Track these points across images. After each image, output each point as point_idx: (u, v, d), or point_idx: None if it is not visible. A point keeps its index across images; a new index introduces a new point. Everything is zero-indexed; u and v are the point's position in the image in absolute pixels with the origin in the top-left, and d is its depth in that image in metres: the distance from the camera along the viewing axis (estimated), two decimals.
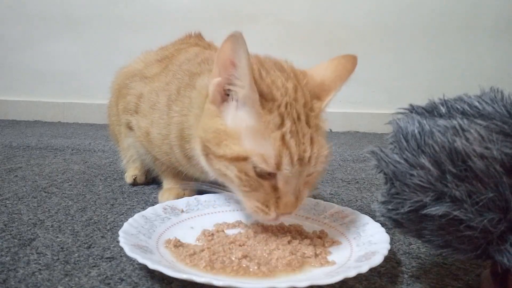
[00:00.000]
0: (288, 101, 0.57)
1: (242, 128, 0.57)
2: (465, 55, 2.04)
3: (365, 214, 0.67)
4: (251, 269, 0.52)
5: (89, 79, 2.12)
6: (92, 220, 0.73)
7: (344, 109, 2.07)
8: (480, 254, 0.45)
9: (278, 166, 0.54)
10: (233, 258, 0.54)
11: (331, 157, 0.62)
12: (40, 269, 0.55)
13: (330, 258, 0.57)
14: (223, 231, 0.65)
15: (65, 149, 1.39)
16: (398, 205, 0.47)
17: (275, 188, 0.57)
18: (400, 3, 2.03)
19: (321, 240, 0.61)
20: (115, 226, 0.70)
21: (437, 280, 0.55)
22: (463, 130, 0.42)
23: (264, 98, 0.56)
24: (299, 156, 0.55)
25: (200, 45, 0.94)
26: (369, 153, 0.50)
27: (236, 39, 0.53)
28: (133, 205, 0.82)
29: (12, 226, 0.69)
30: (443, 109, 0.47)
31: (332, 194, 0.95)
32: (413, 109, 0.50)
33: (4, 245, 0.62)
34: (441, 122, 0.44)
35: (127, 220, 0.62)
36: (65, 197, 0.86)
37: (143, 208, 0.71)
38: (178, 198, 0.75)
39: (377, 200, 0.50)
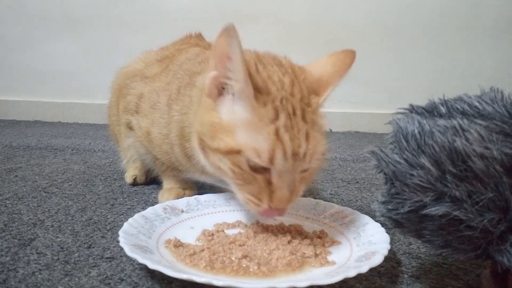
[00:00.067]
0: (284, 96, 0.56)
1: (236, 122, 0.57)
2: (465, 55, 2.04)
3: (365, 214, 0.67)
4: (251, 269, 0.52)
5: (89, 79, 2.11)
6: (92, 220, 0.73)
7: (344, 109, 2.07)
8: (480, 254, 0.45)
9: (271, 160, 0.54)
10: (233, 258, 0.54)
11: (329, 154, 0.62)
12: (40, 269, 0.55)
13: (330, 258, 0.57)
14: (223, 231, 0.65)
15: (65, 149, 1.39)
16: (398, 205, 0.47)
17: (269, 182, 0.57)
18: (400, 3, 2.03)
19: (321, 240, 0.61)
20: (115, 226, 0.70)
21: (437, 280, 0.55)
22: (463, 130, 0.42)
23: (259, 92, 0.56)
24: (293, 151, 0.54)
25: (201, 45, 0.94)
26: (369, 153, 0.50)
27: (228, 32, 0.53)
28: (133, 205, 0.82)
29: (12, 226, 0.69)
30: (443, 109, 0.47)
31: (332, 194, 0.95)
32: (413, 109, 0.50)
33: (4, 245, 0.62)
34: (441, 122, 0.44)
35: (127, 220, 0.62)
36: (65, 197, 0.86)
37: (143, 208, 0.71)
38: (178, 198, 0.75)
39: (377, 200, 0.50)
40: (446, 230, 0.44)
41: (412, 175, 0.44)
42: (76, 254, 0.59)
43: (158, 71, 0.85)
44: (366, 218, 0.65)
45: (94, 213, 0.77)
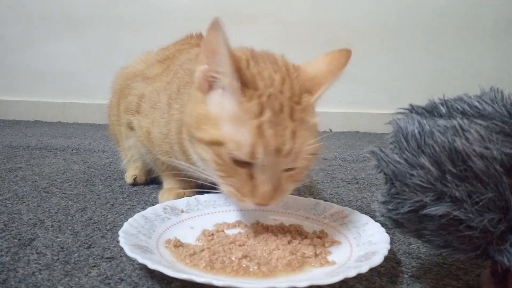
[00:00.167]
0: (272, 92, 0.56)
1: (222, 114, 0.57)
2: (465, 55, 2.04)
3: (365, 214, 0.67)
4: (251, 269, 0.52)
5: (89, 79, 2.11)
6: (92, 220, 0.73)
7: (344, 109, 2.07)
8: (480, 254, 0.45)
9: (252, 155, 0.54)
10: (233, 258, 0.54)
11: (321, 153, 0.61)
12: (40, 269, 0.55)
13: (330, 258, 0.57)
14: (223, 231, 0.65)
15: (65, 149, 1.39)
16: (398, 205, 0.47)
17: (251, 177, 0.57)
18: (400, 3, 2.03)
19: (321, 240, 0.61)
20: (115, 226, 0.70)
21: (437, 280, 0.55)
22: (463, 130, 0.42)
23: (246, 87, 0.56)
24: (276, 148, 0.54)
25: None
26: (369, 153, 0.50)
27: (215, 26, 0.54)
28: (133, 205, 0.82)
29: (12, 226, 0.69)
30: (443, 109, 0.47)
31: (332, 194, 0.95)
32: (413, 109, 0.50)
33: (4, 245, 0.62)
34: (441, 122, 0.44)
35: (127, 220, 0.62)
36: (65, 197, 0.86)
37: (143, 208, 0.71)
38: (178, 198, 0.75)
39: (377, 200, 0.50)
40: (446, 230, 0.44)
41: (412, 175, 0.44)
42: (76, 254, 0.59)
43: (159, 71, 0.85)
44: (366, 218, 0.65)
45: (94, 213, 0.77)
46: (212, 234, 0.63)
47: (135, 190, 0.92)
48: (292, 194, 0.74)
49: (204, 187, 0.73)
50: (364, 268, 0.49)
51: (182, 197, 0.76)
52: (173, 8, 2.05)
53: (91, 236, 0.66)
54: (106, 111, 1.05)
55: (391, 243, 0.57)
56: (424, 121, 0.45)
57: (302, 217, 0.70)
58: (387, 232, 0.59)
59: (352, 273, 0.48)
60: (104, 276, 0.53)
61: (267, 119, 0.54)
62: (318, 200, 0.73)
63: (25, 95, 2.20)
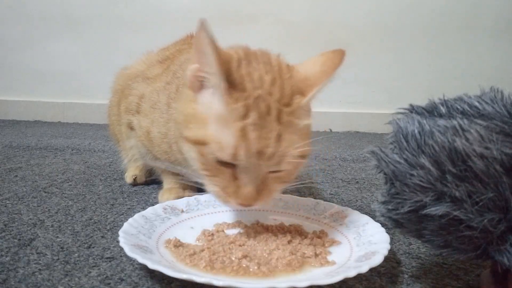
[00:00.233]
0: (260, 94, 0.56)
1: (209, 114, 0.57)
2: (465, 55, 2.04)
3: (365, 214, 0.67)
4: (251, 269, 0.52)
5: (89, 79, 2.12)
6: (92, 220, 0.73)
7: (344, 109, 2.07)
8: (480, 254, 0.45)
9: (234, 156, 0.54)
10: (233, 258, 0.54)
11: (310, 155, 0.61)
12: (40, 269, 0.55)
13: (330, 258, 0.57)
14: (223, 231, 0.65)
15: (65, 149, 1.39)
16: (398, 205, 0.47)
17: (235, 177, 0.57)
18: (400, 3, 2.03)
19: (321, 240, 0.61)
20: (115, 226, 0.70)
21: (437, 280, 0.55)
22: (463, 130, 0.42)
23: (234, 88, 0.56)
24: (258, 150, 0.54)
25: None
26: (369, 153, 0.50)
27: (201, 26, 0.54)
28: (133, 205, 0.82)
29: (12, 226, 0.69)
30: (443, 109, 0.47)
31: (332, 194, 0.95)
32: (413, 109, 0.50)
33: (4, 245, 0.62)
34: (441, 122, 0.44)
35: (127, 220, 0.62)
36: (65, 197, 0.86)
37: (143, 208, 0.71)
38: (178, 198, 0.75)
39: (377, 200, 0.50)
40: (446, 230, 0.44)
41: (412, 175, 0.44)
42: (76, 254, 0.59)
43: (159, 71, 0.85)
44: (366, 218, 0.65)
45: (94, 213, 0.77)
46: (212, 234, 0.63)
47: (135, 190, 0.92)
48: (292, 194, 0.75)
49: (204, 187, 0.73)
50: (364, 268, 0.49)
51: (182, 197, 0.76)
52: (173, 8, 2.05)
53: (91, 236, 0.66)
54: (106, 111, 1.05)
55: (391, 243, 0.57)
56: (424, 121, 0.45)
57: (302, 217, 0.70)
58: (387, 232, 0.59)
59: (352, 273, 0.48)
60: (104, 276, 0.53)
61: (252, 122, 0.54)
62: (318, 200, 0.73)
63: (25, 95, 2.20)
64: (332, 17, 2.05)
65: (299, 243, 0.60)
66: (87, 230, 0.69)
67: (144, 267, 0.54)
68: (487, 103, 0.44)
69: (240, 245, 0.59)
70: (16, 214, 0.75)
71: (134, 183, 0.95)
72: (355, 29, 2.04)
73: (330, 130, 2.07)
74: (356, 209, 0.69)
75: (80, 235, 0.66)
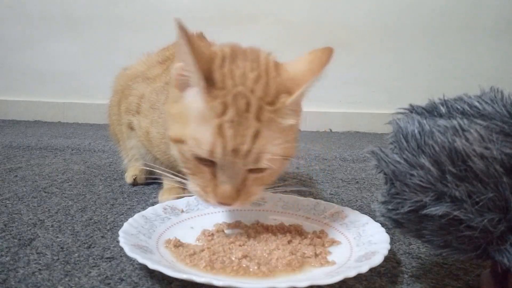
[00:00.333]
0: (241, 91, 0.55)
1: (190, 113, 0.57)
2: (465, 55, 2.04)
3: (365, 214, 0.67)
4: (251, 269, 0.52)
5: (89, 79, 2.12)
6: (92, 220, 0.73)
7: (344, 109, 2.07)
8: (480, 254, 0.45)
9: (211, 153, 0.54)
10: (233, 258, 0.54)
11: (295, 157, 0.60)
12: (40, 269, 0.55)
13: (330, 258, 0.57)
14: (223, 231, 0.65)
15: (65, 149, 1.39)
16: (398, 205, 0.47)
17: (214, 176, 0.57)
18: (400, 3, 2.03)
19: (321, 240, 0.61)
20: (115, 226, 0.70)
21: (437, 280, 0.55)
22: (463, 130, 0.42)
23: (214, 86, 0.56)
24: (234, 148, 0.54)
25: None
26: (369, 153, 0.50)
27: (178, 26, 0.54)
28: (133, 205, 0.82)
29: (12, 226, 0.69)
30: (443, 109, 0.47)
31: (332, 194, 0.95)
32: (413, 109, 0.50)
33: (4, 245, 0.62)
34: (441, 122, 0.44)
35: (127, 220, 0.62)
36: (65, 197, 0.86)
37: (143, 208, 0.71)
38: (178, 198, 0.75)
39: (377, 200, 0.50)
40: (446, 230, 0.44)
41: (412, 175, 0.44)
42: (76, 254, 0.59)
43: (159, 72, 0.85)
44: (366, 218, 0.65)
45: (94, 213, 0.77)
46: (212, 234, 0.63)
47: (135, 190, 0.92)
48: (292, 194, 0.75)
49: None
50: (364, 268, 0.49)
51: (182, 197, 0.76)
52: (173, 8, 2.05)
53: (91, 236, 0.66)
54: (106, 111, 1.05)
55: (391, 243, 0.57)
56: (424, 121, 0.45)
57: (302, 217, 0.70)
58: (387, 232, 0.59)
59: (352, 273, 0.48)
60: (104, 276, 0.53)
61: (229, 119, 0.54)
62: (318, 200, 0.73)
63: (25, 95, 2.20)
64: (332, 17, 2.05)
65: (299, 243, 0.60)
66: (87, 230, 0.69)
67: (144, 267, 0.54)
68: (487, 103, 0.44)
69: (240, 245, 0.59)
70: (16, 214, 0.75)
71: (134, 183, 0.95)
72: (355, 29, 2.04)
73: (330, 130, 2.07)
74: (356, 209, 0.69)
75: (80, 235, 0.66)
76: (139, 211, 0.66)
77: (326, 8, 2.05)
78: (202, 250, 0.56)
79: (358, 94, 2.06)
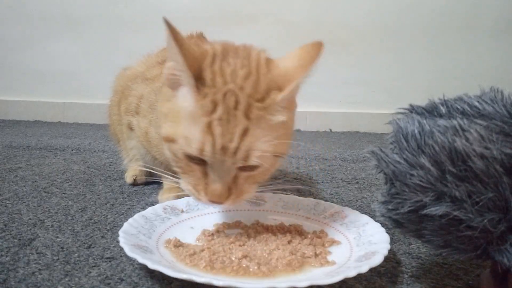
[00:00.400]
0: (230, 89, 0.55)
1: (180, 111, 0.57)
2: (465, 55, 2.04)
3: (365, 214, 0.67)
4: (251, 269, 0.52)
5: (89, 79, 2.12)
6: (92, 220, 0.73)
7: (344, 109, 2.07)
8: (480, 254, 0.45)
9: (201, 152, 0.54)
10: (233, 258, 0.54)
11: (287, 155, 0.60)
12: (40, 269, 0.55)
13: (330, 258, 0.57)
14: (223, 231, 0.65)
15: (65, 149, 1.39)
16: (398, 205, 0.47)
17: (205, 174, 0.57)
18: (400, 3, 2.03)
19: (321, 240, 0.61)
20: (115, 226, 0.70)
21: (437, 280, 0.55)
22: (463, 130, 0.42)
23: (204, 84, 0.56)
24: (222, 146, 0.54)
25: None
26: (369, 153, 0.50)
27: (167, 25, 0.54)
28: (133, 205, 0.82)
29: (12, 226, 0.69)
30: (443, 109, 0.47)
31: (332, 194, 0.95)
32: (413, 109, 0.50)
33: (4, 245, 0.62)
34: (441, 122, 0.44)
35: (127, 220, 0.62)
36: (65, 197, 0.86)
37: (143, 208, 0.71)
38: (178, 198, 0.75)
39: (377, 200, 0.50)
40: (446, 230, 0.44)
41: (412, 175, 0.44)
42: (76, 254, 0.59)
43: (159, 72, 0.85)
44: (366, 218, 0.65)
45: (94, 213, 0.77)
46: (212, 234, 0.63)
47: (135, 190, 0.92)
48: (292, 194, 0.75)
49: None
50: (364, 268, 0.49)
51: (182, 197, 0.76)
52: (173, 8, 2.05)
53: (91, 236, 0.66)
54: (106, 111, 1.05)
55: (391, 243, 0.57)
56: (424, 121, 0.45)
57: (302, 217, 0.70)
58: (387, 232, 0.59)
59: (352, 273, 0.48)
60: (104, 276, 0.53)
61: (218, 117, 0.54)
62: (318, 200, 0.73)
63: (25, 95, 2.20)
64: (332, 17, 2.05)
65: (299, 243, 0.60)
66: (87, 230, 0.69)
67: (144, 267, 0.54)
68: (487, 103, 0.44)
69: (240, 245, 0.59)
70: (16, 214, 0.75)
71: (134, 183, 0.95)
72: (355, 29, 2.04)
73: (330, 130, 2.07)
74: (356, 209, 0.69)
75: (80, 235, 0.66)
76: (139, 211, 0.66)
77: (326, 8, 2.05)
78: (202, 250, 0.56)
79: (358, 94, 2.06)
